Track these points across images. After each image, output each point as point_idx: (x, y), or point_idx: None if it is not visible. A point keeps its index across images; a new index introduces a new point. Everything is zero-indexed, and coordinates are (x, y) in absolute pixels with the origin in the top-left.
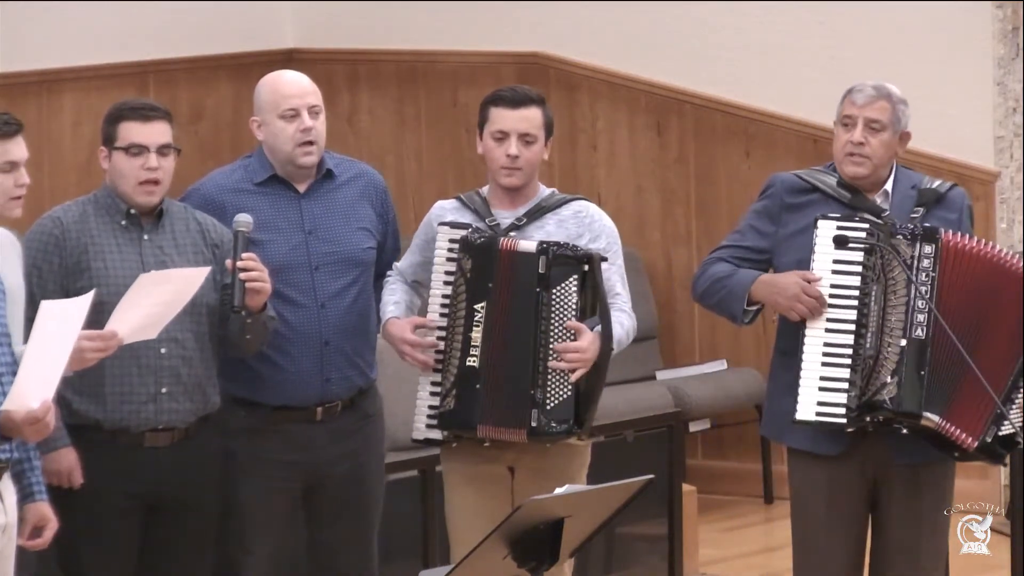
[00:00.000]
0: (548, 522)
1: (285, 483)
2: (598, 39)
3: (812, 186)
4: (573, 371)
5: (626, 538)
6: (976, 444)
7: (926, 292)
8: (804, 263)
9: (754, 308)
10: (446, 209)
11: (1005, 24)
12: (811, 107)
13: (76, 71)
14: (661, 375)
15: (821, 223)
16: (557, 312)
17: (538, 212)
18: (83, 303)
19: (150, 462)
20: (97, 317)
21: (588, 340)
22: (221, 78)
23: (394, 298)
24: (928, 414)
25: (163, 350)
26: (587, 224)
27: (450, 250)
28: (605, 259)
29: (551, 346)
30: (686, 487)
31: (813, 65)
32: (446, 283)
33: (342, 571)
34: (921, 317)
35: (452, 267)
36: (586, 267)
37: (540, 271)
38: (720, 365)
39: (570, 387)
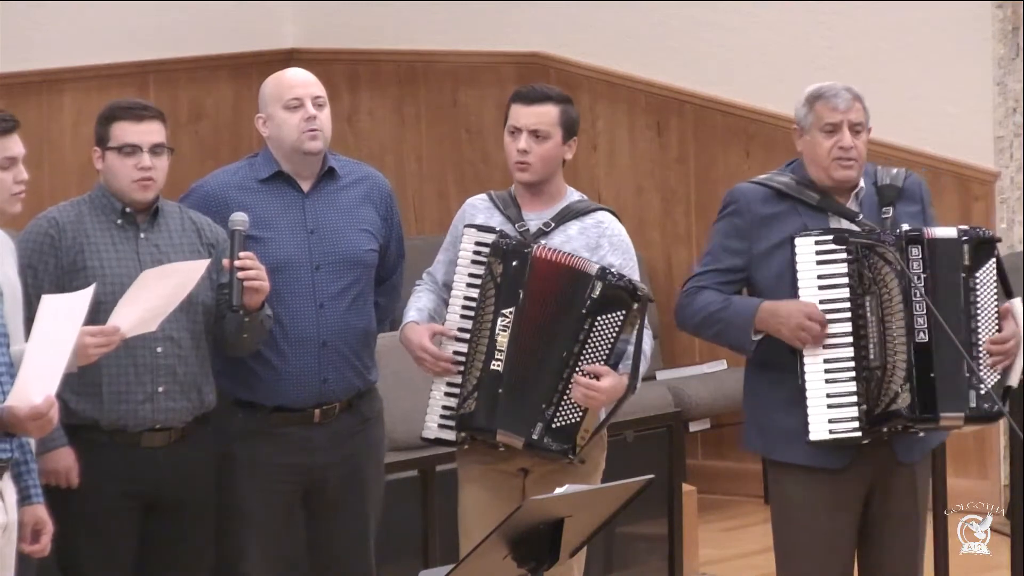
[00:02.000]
0: (548, 522)
1: (284, 485)
2: (598, 39)
3: (777, 191)
4: (584, 400)
5: (626, 538)
6: (963, 414)
7: (920, 295)
8: (783, 278)
9: (759, 337)
10: (478, 209)
11: (1005, 24)
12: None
13: (76, 71)
14: (661, 375)
15: (799, 241)
16: (595, 340)
17: (565, 216)
18: (85, 297)
19: (147, 462)
20: (94, 316)
21: (609, 383)
22: (221, 78)
23: (418, 304)
24: (946, 414)
25: (159, 349)
26: (607, 236)
27: (476, 253)
28: (653, 300)
29: (575, 374)
30: (686, 487)
31: (813, 65)
32: (470, 285)
33: (340, 572)
34: (921, 321)
35: (478, 270)
36: (636, 305)
37: (593, 295)
38: (720, 365)
39: (580, 415)
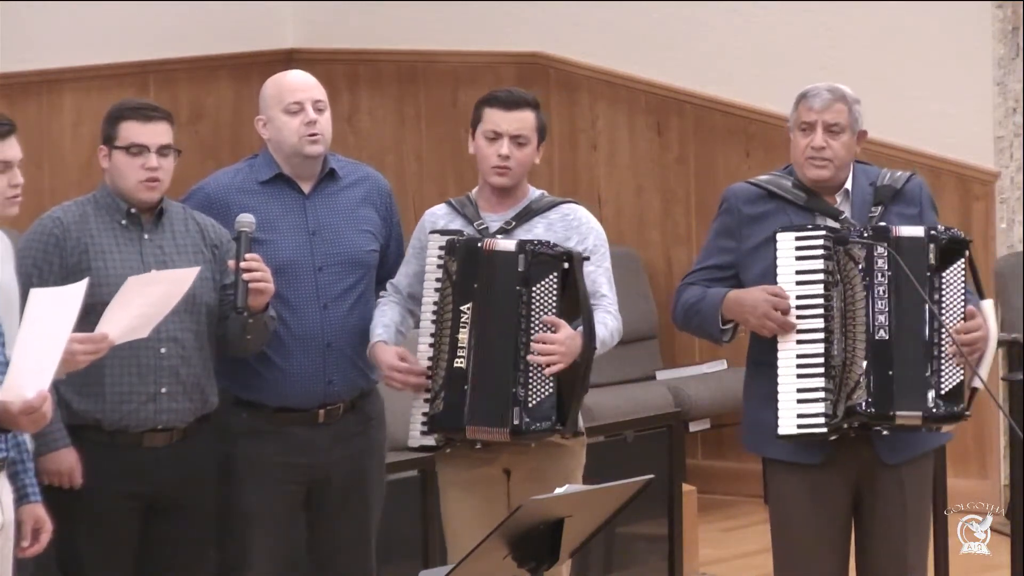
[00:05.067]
0: (548, 522)
1: (286, 485)
2: (598, 39)
3: (767, 191)
4: (549, 365)
5: (626, 538)
6: (921, 415)
7: (884, 292)
8: (768, 274)
9: (730, 326)
10: (438, 216)
11: (1005, 24)
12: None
13: (76, 71)
14: (661, 375)
15: (780, 236)
16: (537, 310)
17: (527, 215)
18: (77, 290)
19: (149, 462)
20: (95, 318)
21: (565, 334)
22: (221, 78)
23: (384, 320)
24: (902, 412)
25: (163, 350)
26: (575, 227)
27: (439, 256)
28: (587, 258)
29: (531, 334)
30: (686, 487)
31: (813, 65)
32: (436, 290)
33: (341, 572)
34: (882, 318)
35: (441, 273)
36: (566, 264)
37: (520, 269)
38: (720, 365)
39: (552, 385)
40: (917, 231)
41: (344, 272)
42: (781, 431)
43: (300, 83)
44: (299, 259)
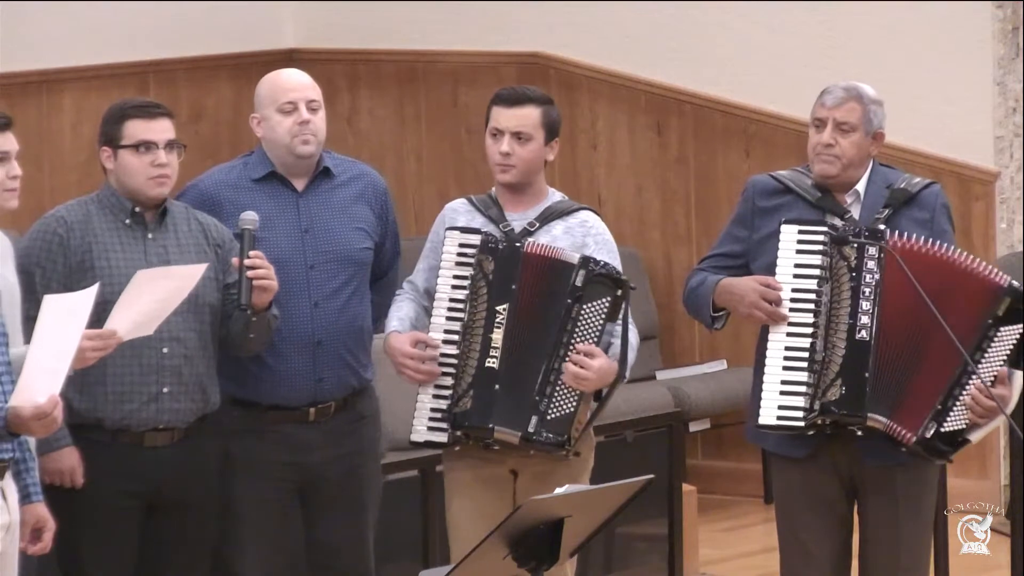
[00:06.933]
0: (548, 522)
1: (280, 483)
2: (598, 39)
3: (784, 187)
4: (576, 382)
5: (626, 538)
6: (914, 439)
7: (870, 294)
8: (774, 266)
9: (722, 314)
10: (459, 212)
11: (1005, 24)
12: (811, 107)
13: (76, 71)
14: (661, 375)
15: (784, 228)
16: (582, 328)
17: (549, 216)
18: (88, 296)
19: (150, 461)
20: (100, 316)
21: (599, 363)
22: (221, 78)
23: (399, 314)
24: (873, 415)
25: (165, 349)
26: (592, 235)
27: (460, 254)
28: (634, 288)
29: (570, 350)
30: (686, 487)
31: (813, 65)
32: (455, 287)
33: (339, 571)
34: (865, 319)
35: (463, 271)
36: (619, 292)
37: (576, 283)
38: (720, 365)
39: (575, 403)
40: (1002, 279)
41: (336, 270)
42: (761, 420)
43: (294, 83)
44: (291, 257)
